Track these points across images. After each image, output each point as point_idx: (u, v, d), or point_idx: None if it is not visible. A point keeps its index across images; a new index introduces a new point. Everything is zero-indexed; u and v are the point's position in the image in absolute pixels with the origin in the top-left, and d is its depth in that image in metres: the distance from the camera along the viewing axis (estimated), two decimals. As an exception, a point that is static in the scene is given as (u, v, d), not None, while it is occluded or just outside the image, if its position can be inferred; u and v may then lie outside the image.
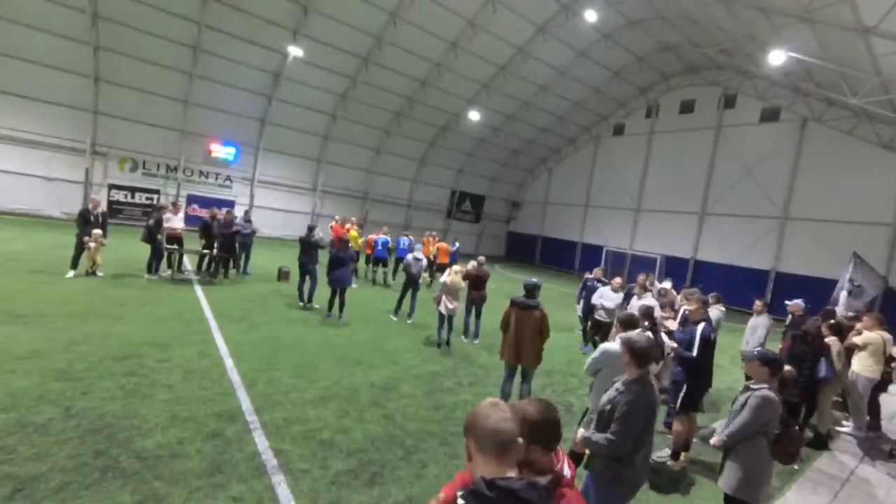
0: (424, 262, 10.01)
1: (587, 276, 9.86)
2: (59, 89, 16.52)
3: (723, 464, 3.35)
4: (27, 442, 3.61)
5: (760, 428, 3.16)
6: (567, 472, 1.76)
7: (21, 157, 16.58)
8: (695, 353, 4.84)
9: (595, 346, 7.68)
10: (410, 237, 14.37)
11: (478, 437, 1.37)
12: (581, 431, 3.04)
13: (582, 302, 9.60)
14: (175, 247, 10.57)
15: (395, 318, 9.46)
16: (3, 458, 3.37)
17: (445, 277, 8.22)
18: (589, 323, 9.12)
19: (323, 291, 9.33)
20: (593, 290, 8.97)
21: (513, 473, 1.33)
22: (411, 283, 9.50)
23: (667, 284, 9.67)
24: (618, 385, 2.97)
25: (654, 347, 3.06)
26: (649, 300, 7.76)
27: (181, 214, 11.22)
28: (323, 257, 9.61)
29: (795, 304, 7.88)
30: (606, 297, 8.38)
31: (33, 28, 15.18)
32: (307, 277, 9.51)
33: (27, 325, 6.16)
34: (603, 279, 9.36)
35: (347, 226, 14.21)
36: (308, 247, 9.51)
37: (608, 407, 2.87)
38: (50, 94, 16.50)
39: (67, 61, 16.20)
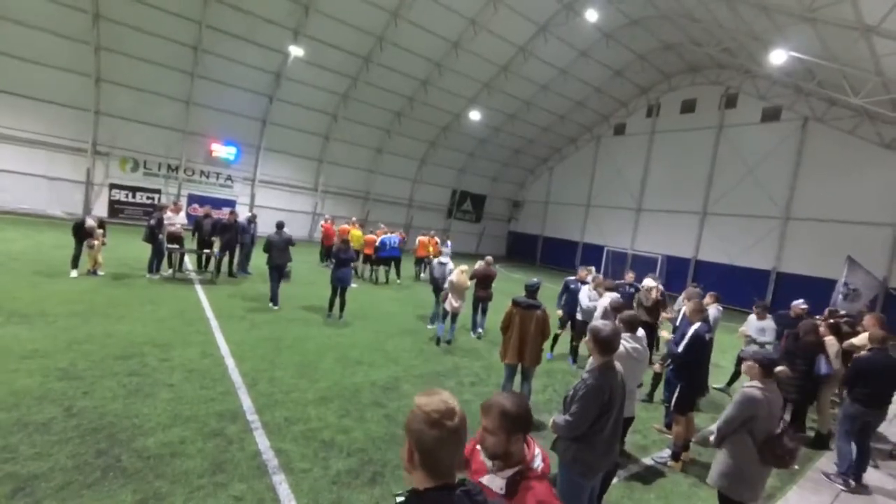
0: (450, 265, 9.98)
1: (568, 277, 8.78)
2: (61, 89, 16.55)
3: None
4: (28, 441, 3.63)
5: (744, 424, 3.22)
6: (539, 463, 1.78)
7: (23, 157, 16.60)
8: (681, 349, 4.89)
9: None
10: (398, 234, 14.48)
11: (421, 448, 1.23)
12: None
13: (565, 306, 8.33)
14: (176, 246, 10.59)
15: (431, 327, 9.15)
16: (4, 458, 3.38)
17: (452, 276, 8.27)
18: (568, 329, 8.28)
19: (323, 291, 9.34)
20: (576, 293, 8.16)
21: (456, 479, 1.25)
22: (439, 288, 9.42)
23: (649, 282, 9.54)
24: (583, 373, 3.12)
25: (619, 337, 3.14)
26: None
27: (182, 214, 11.21)
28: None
29: (796, 304, 7.95)
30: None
31: (35, 28, 15.20)
32: (277, 277, 9.17)
33: (29, 325, 6.18)
34: (587, 280, 8.42)
35: (344, 226, 14.48)
36: (282, 245, 9.21)
37: (571, 392, 3.02)
38: (51, 94, 16.52)
39: (69, 61, 16.22)
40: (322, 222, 16.48)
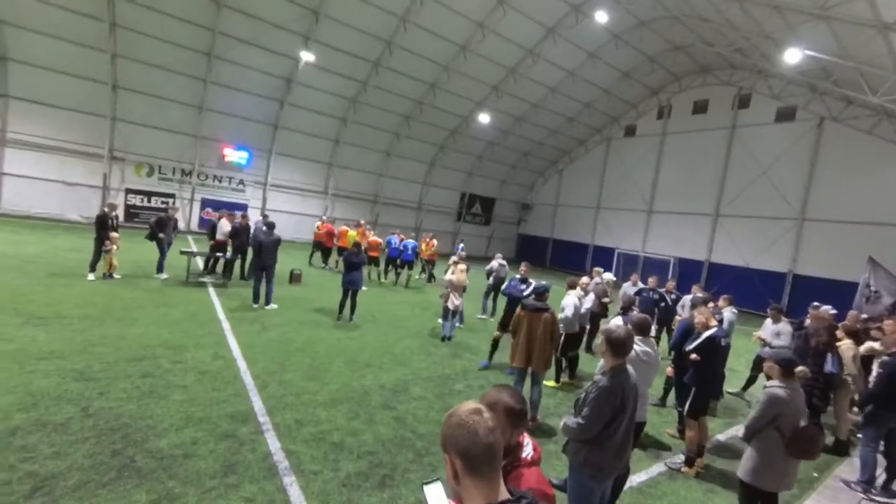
0: (507, 266, 10.33)
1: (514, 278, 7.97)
2: (78, 96, 16.97)
3: None
4: (47, 441, 3.70)
5: (770, 422, 3.35)
6: (530, 451, 1.80)
7: (41, 163, 17.03)
8: (688, 346, 4.91)
9: (572, 367, 7.28)
10: (399, 235, 14.60)
11: (467, 457, 1.17)
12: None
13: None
14: (220, 254, 11.11)
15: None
16: (24, 457, 3.45)
17: (450, 275, 8.37)
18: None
19: (332, 294, 9.40)
20: (516, 290, 7.40)
21: (503, 487, 1.23)
22: (496, 287, 10.25)
23: (608, 276, 9.77)
24: (596, 375, 3.10)
25: (632, 339, 3.14)
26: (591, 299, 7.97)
27: (224, 221, 11.42)
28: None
29: (824, 309, 7.84)
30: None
31: (53, 37, 15.61)
32: (264, 278, 8.98)
33: (46, 327, 6.31)
34: (529, 278, 7.71)
35: (343, 227, 14.94)
36: (272, 247, 9.08)
37: (582, 395, 2.98)
38: (69, 101, 16.94)
39: (86, 69, 16.63)
40: (319, 222, 16.53)
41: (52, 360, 5.27)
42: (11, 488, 3.10)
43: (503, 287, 7.94)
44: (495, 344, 7.35)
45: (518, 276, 7.80)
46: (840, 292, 14.54)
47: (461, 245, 16.22)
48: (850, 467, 5.43)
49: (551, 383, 6.79)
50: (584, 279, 8.02)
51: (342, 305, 8.94)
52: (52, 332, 6.17)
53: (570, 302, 6.84)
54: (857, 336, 6.42)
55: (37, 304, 7.17)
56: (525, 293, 7.14)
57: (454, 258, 9.29)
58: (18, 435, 3.72)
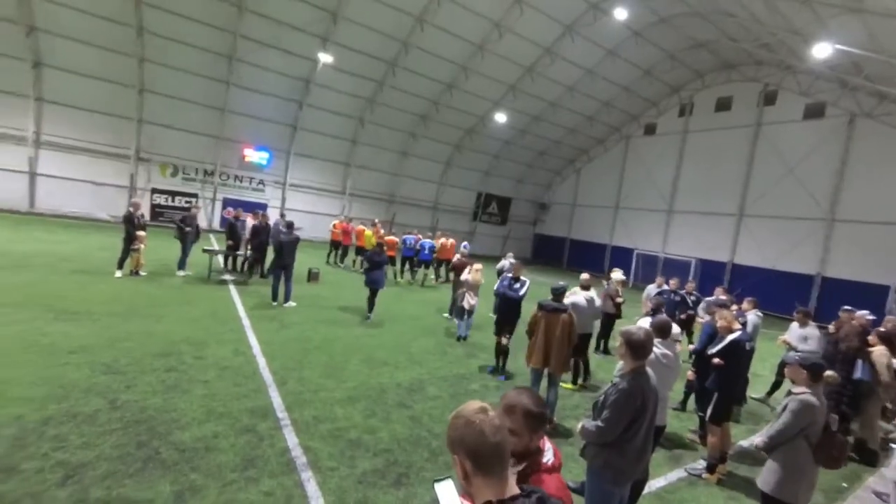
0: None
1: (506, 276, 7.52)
2: (107, 99, 17.60)
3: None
4: (77, 431, 3.85)
5: (800, 431, 3.20)
6: (550, 457, 1.76)
7: (71, 164, 17.74)
8: (711, 350, 4.78)
9: (583, 376, 7.06)
10: (417, 235, 14.66)
11: (476, 457, 1.18)
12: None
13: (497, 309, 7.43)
14: (238, 252, 11.55)
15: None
16: (56, 446, 3.60)
17: (466, 275, 8.37)
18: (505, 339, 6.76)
19: (348, 292, 9.49)
20: (511, 290, 6.91)
21: (513, 483, 1.23)
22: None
23: (616, 275, 9.39)
24: (614, 377, 3.04)
25: (652, 341, 3.05)
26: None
27: (249, 219, 11.91)
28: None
29: (860, 314, 7.54)
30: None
31: (83, 42, 16.22)
32: (282, 276, 9.18)
33: (77, 322, 6.56)
34: (521, 276, 7.14)
35: (360, 227, 15.31)
36: (292, 246, 9.22)
37: (602, 397, 2.93)
38: (98, 104, 17.59)
39: (114, 73, 17.23)
40: (336, 221, 16.68)
41: (82, 353, 5.48)
42: (44, 476, 3.24)
43: (495, 286, 7.54)
44: (498, 348, 7.00)
45: (510, 275, 7.36)
46: (872, 296, 13.97)
47: (465, 243, 16.24)
48: (881, 478, 5.21)
49: (568, 385, 6.71)
50: (584, 276, 7.32)
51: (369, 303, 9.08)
52: (83, 327, 6.41)
53: (572, 299, 6.53)
54: (892, 343, 6.15)
55: (69, 301, 7.46)
56: (521, 293, 6.86)
57: (458, 256, 9.30)
58: (51, 424, 3.89)
